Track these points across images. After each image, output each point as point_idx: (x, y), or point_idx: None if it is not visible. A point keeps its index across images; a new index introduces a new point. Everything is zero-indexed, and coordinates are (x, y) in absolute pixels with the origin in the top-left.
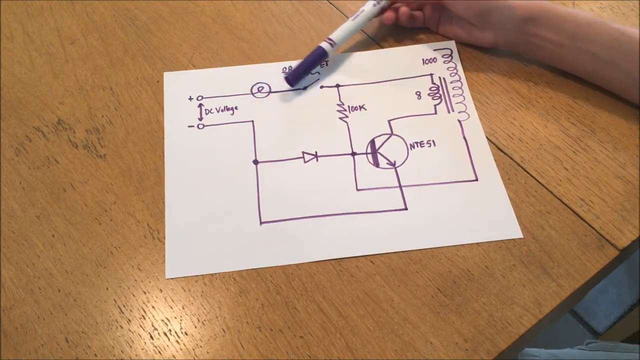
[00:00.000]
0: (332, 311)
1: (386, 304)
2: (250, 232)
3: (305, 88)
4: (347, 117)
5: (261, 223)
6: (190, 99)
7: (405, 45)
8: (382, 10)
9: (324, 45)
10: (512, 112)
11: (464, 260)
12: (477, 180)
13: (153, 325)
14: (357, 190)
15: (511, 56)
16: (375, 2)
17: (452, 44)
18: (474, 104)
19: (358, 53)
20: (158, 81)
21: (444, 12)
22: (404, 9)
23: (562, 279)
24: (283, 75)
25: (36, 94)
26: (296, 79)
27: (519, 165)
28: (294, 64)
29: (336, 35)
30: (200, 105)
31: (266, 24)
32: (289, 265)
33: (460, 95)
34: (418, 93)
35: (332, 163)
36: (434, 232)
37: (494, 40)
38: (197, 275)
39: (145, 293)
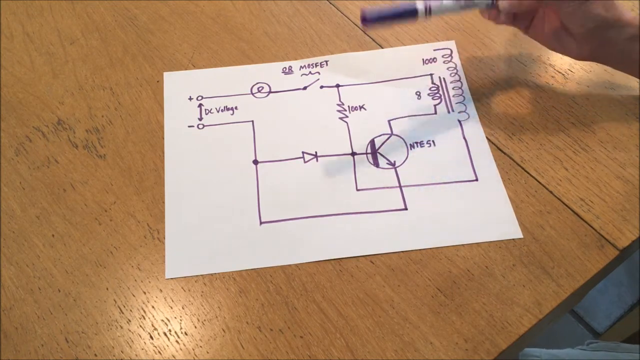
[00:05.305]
0: (332, 311)
1: (386, 304)
2: (250, 232)
3: (305, 88)
4: (347, 117)
5: (261, 223)
6: (190, 99)
7: (405, 45)
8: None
9: (419, 4)
10: (512, 112)
11: (464, 260)
12: (477, 180)
13: (153, 325)
14: (357, 190)
15: (511, 56)
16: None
17: (452, 44)
18: (474, 104)
19: (358, 53)
20: (158, 81)
21: (537, 15)
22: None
23: (562, 279)
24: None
25: (36, 94)
26: (374, 20)
27: (519, 165)
28: (294, 64)
29: (435, 3)
30: (200, 105)
31: (266, 24)
32: (289, 265)
33: (460, 95)
34: (418, 93)
35: (332, 163)
36: (434, 232)
37: (589, 54)
38: (197, 275)
39: (145, 293)
